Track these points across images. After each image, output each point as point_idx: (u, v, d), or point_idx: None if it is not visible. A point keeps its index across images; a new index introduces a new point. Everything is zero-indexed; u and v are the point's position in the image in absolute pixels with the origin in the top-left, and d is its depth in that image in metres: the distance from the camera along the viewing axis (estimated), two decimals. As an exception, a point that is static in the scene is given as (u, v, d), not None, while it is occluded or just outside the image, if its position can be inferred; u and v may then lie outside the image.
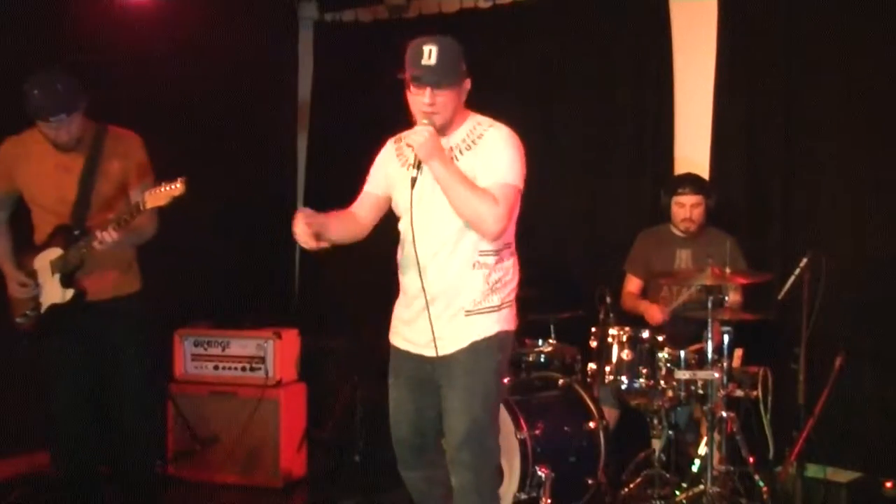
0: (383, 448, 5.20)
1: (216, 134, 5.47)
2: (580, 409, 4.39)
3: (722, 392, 4.02)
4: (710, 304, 4.04)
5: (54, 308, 3.70)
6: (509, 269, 3.12)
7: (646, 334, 4.24)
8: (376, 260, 5.90)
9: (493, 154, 2.99)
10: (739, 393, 4.11)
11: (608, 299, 4.36)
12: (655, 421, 4.30)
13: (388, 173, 3.21)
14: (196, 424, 4.90)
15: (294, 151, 6.49)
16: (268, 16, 6.05)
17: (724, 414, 4.03)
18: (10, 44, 4.38)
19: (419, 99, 2.96)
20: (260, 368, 4.96)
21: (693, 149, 5.20)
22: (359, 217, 3.30)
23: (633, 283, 4.82)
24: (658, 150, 5.26)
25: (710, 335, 4.04)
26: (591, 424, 4.36)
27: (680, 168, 5.16)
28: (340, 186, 6.08)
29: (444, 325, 3.05)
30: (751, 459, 4.13)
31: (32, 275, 3.74)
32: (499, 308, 3.08)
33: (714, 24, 5.11)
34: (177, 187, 3.39)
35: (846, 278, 4.51)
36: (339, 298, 6.08)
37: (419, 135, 2.92)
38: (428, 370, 3.12)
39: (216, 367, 5.04)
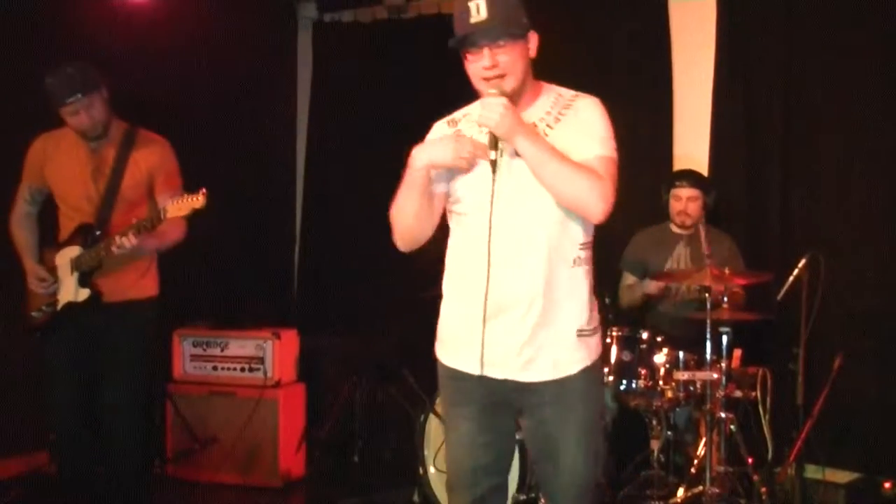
0: (382, 448, 5.25)
1: (215, 133, 5.47)
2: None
3: (721, 393, 4.01)
4: (708, 305, 4.04)
5: (70, 306, 3.72)
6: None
7: (644, 335, 4.23)
8: (374, 259, 5.95)
9: (588, 125, 2.52)
10: (738, 394, 4.11)
11: (606, 300, 4.35)
12: (654, 422, 4.30)
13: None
14: (195, 425, 4.91)
15: (293, 151, 6.50)
16: (267, 16, 6.06)
17: (723, 415, 4.02)
18: (10, 46, 4.39)
19: (477, 66, 2.47)
20: (259, 369, 4.96)
21: (692, 147, 5.20)
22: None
23: (629, 280, 4.80)
24: (657, 149, 5.26)
25: (708, 335, 4.03)
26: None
27: (679, 166, 5.15)
28: (340, 186, 6.19)
29: (542, 342, 2.51)
30: (749, 460, 4.12)
31: (52, 271, 3.76)
32: (595, 331, 2.63)
33: (713, 22, 5.11)
34: (198, 199, 3.44)
35: (846, 279, 4.52)
36: (337, 297, 6.09)
37: (492, 109, 2.41)
38: (510, 396, 2.57)
39: (215, 368, 5.04)
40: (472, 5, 2.43)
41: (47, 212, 3.88)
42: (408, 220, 2.62)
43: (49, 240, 3.84)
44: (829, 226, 4.77)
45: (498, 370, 2.53)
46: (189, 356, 5.08)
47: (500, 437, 2.63)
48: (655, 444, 4.25)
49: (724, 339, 4.03)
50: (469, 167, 2.50)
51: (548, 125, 2.53)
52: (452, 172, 2.57)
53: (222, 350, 5.04)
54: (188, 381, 5.05)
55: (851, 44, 4.71)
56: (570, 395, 2.55)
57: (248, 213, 5.73)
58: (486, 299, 2.49)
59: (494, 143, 2.44)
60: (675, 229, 4.71)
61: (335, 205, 6.19)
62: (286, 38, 6.43)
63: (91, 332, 3.72)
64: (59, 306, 3.74)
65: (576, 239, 2.54)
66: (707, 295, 4.03)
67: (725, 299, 4.10)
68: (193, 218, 3.57)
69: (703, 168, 5.06)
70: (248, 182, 5.74)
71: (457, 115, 2.68)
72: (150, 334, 3.90)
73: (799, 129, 4.89)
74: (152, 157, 3.76)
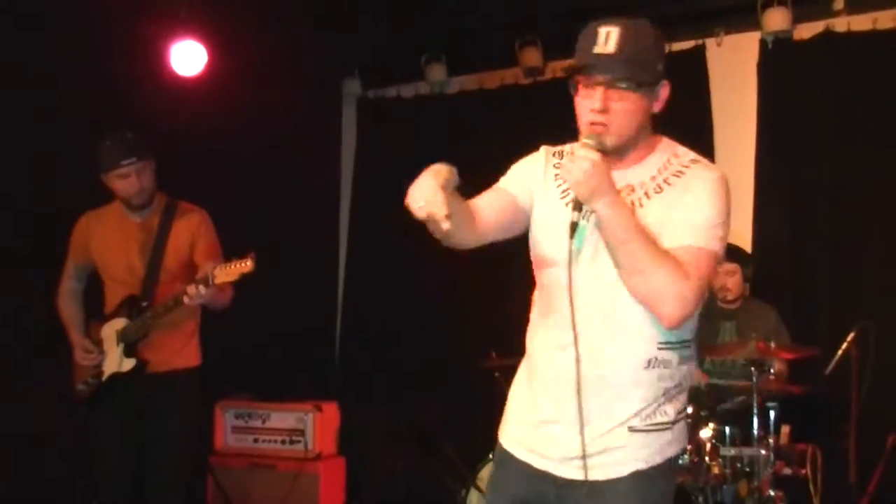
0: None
1: (260, 204, 5.57)
2: None
3: (769, 470, 3.92)
4: (754, 378, 3.97)
5: (114, 377, 3.75)
6: (688, 372, 2.21)
7: (689, 409, 4.16)
8: (416, 330, 5.96)
9: (694, 204, 2.10)
10: (787, 471, 4.01)
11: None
12: (701, 499, 4.19)
13: (536, 191, 2.25)
14: (235, 498, 4.88)
15: (336, 222, 6.58)
16: (312, 92, 6.19)
17: (772, 492, 3.92)
18: (68, 119, 4.53)
19: (586, 103, 2.09)
20: (300, 441, 4.95)
21: (734, 217, 5.15)
22: (480, 215, 2.20)
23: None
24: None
25: (755, 410, 3.96)
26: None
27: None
28: (381, 257, 6.23)
29: (594, 438, 2.13)
30: (801, 540, 4.01)
31: (98, 343, 3.81)
32: (673, 424, 2.17)
33: (754, 89, 5.15)
34: (247, 264, 3.45)
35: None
36: (379, 369, 6.08)
37: (577, 163, 2.00)
38: (549, 496, 2.19)
39: (256, 440, 5.04)
40: (602, 31, 2.05)
41: (93, 286, 3.94)
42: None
43: (94, 314, 3.90)
44: (878, 297, 4.69)
45: None
46: (231, 428, 5.08)
47: None
48: (703, 523, 4.14)
49: (772, 414, 3.95)
50: (428, 221, 2.01)
51: (646, 193, 2.13)
52: (541, 209, 2.22)
53: (263, 422, 5.04)
54: (229, 454, 5.05)
55: (895, 115, 4.70)
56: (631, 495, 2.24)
57: (291, 283, 5.77)
58: (578, 384, 2.12)
59: (578, 203, 2.04)
60: (720, 304, 4.67)
61: (377, 276, 6.23)
62: (331, 113, 6.57)
63: (136, 403, 3.74)
64: (104, 377, 3.77)
65: (657, 336, 2.11)
66: (753, 369, 3.96)
67: (772, 371, 4.04)
68: (236, 288, 3.61)
69: (746, 237, 5.03)
70: (291, 252, 5.80)
71: (567, 147, 2.26)
72: (194, 405, 3.91)
73: (844, 200, 4.86)
74: (192, 227, 3.82)
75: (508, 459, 2.26)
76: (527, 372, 2.30)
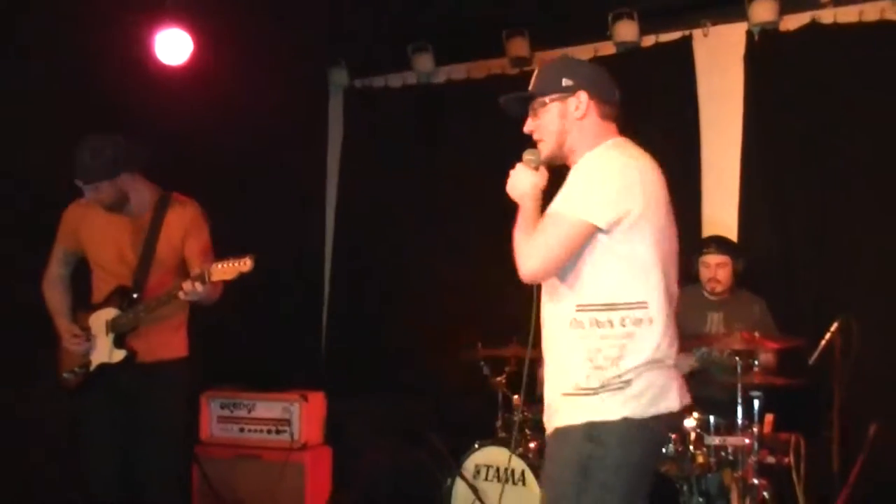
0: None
1: (245, 194, 5.55)
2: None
3: (753, 458, 3.94)
4: (739, 369, 3.99)
5: (103, 367, 3.74)
6: (625, 344, 2.45)
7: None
8: (402, 321, 5.96)
9: (569, 180, 2.55)
10: (771, 460, 4.03)
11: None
12: (685, 488, 4.22)
13: None
14: (221, 488, 4.87)
15: (323, 214, 6.57)
16: (299, 81, 6.17)
17: (756, 481, 3.94)
18: (51, 109, 4.50)
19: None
20: (286, 431, 4.94)
21: (721, 209, 5.20)
22: None
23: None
24: (685, 212, 5.24)
25: (739, 399, 3.98)
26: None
27: (707, 229, 5.14)
28: (368, 248, 6.22)
29: (548, 395, 2.60)
30: (784, 528, 4.04)
31: (85, 332, 3.79)
32: (594, 392, 2.45)
33: (741, 80, 5.16)
34: (245, 263, 3.45)
35: (879, 344, 4.44)
36: (365, 359, 6.08)
37: (513, 173, 2.62)
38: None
39: (242, 430, 5.03)
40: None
41: (78, 274, 3.93)
42: None
43: (80, 301, 3.88)
44: (862, 290, 4.72)
45: None
46: (216, 418, 5.07)
47: None
48: (687, 512, 4.17)
49: (756, 403, 3.97)
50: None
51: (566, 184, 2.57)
52: None
53: (249, 412, 5.03)
54: (215, 444, 5.04)
55: (881, 108, 4.72)
56: (548, 450, 2.61)
57: (277, 273, 5.75)
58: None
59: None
60: (707, 295, 4.68)
61: (364, 267, 6.22)
62: (318, 103, 6.54)
63: (124, 393, 3.73)
64: (92, 367, 3.76)
65: (573, 299, 2.49)
66: (738, 359, 3.98)
67: (756, 363, 4.06)
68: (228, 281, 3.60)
69: (732, 229, 5.05)
70: (277, 243, 5.78)
71: None
72: (182, 395, 3.91)
73: (829, 192, 4.88)
74: (185, 219, 3.81)
75: None
76: None
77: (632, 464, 2.47)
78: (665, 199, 2.61)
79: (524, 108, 2.66)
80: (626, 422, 2.43)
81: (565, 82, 2.59)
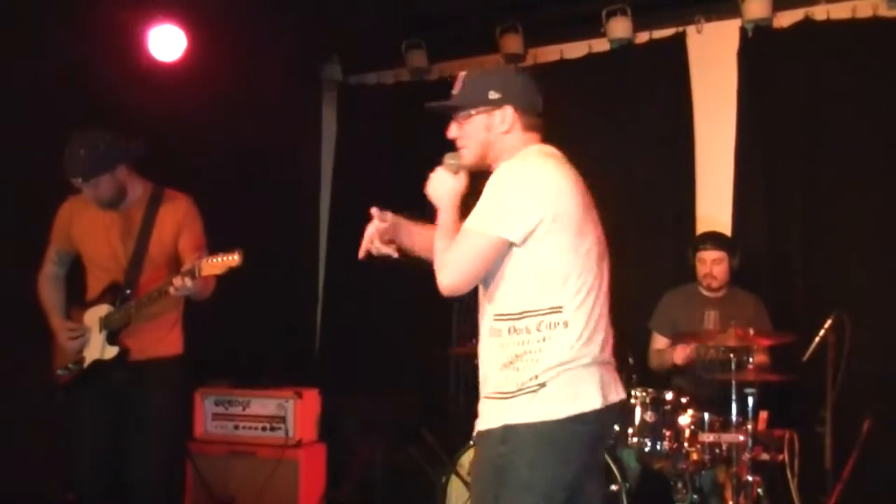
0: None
1: (238, 191, 5.53)
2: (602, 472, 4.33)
3: (747, 455, 3.96)
4: (733, 366, 4.00)
5: (96, 364, 3.73)
6: (541, 348, 2.47)
7: (669, 396, 4.19)
8: (396, 318, 5.95)
9: (484, 194, 2.54)
10: (765, 456, 4.04)
11: (631, 360, 4.32)
12: (679, 484, 4.23)
13: None
14: (214, 485, 4.87)
15: (316, 210, 6.56)
16: (293, 77, 6.15)
17: (750, 478, 3.96)
18: (42, 104, 4.48)
19: None
20: (280, 428, 4.94)
21: (714, 206, 5.21)
22: None
23: (660, 342, 4.77)
24: (680, 210, 5.27)
25: (733, 396, 3.99)
26: (614, 487, 4.29)
27: (701, 225, 5.15)
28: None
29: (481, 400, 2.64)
30: (778, 525, 4.05)
31: (80, 327, 3.78)
32: (511, 395, 2.48)
33: (734, 77, 5.17)
34: (234, 258, 3.45)
35: (873, 340, 4.46)
36: (359, 357, 6.07)
37: (432, 177, 2.66)
38: None
39: (236, 427, 5.02)
40: (456, 81, 2.67)
41: (74, 272, 3.92)
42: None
43: (75, 299, 3.87)
44: (854, 286, 4.73)
45: None
46: (211, 415, 5.06)
47: None
48: (681, 508, 4.18)
49: (750, 400, 3.98)
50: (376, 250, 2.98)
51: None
52: None
53: (244, 409, 5.02)
54: (209, 441, 5.03)
55: (873, 104, 4.73)
56: (474, 453, 2.65)
57: (271, 271, 5.74)
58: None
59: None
60: (703, 292, 4.69)
61: (357, 264, 6.20)
62: (311, 100, 6.52)
63: (117, 391, 3.73)
64: (86, 364, 3.75)
65: (492, 308, 2.55)
66: (732, 356, 3.99)
67: (751, 360, 4.06)
68: (218, 277, 3.60)
69: (727, 227, 5.06)
70: (271, 240, 5.77)
71: None
72: (176, 393, 3.90)
73: (822, 189, 4.89)
74: (178, 215, 3.80)
75: None
76: None
77: (549, 463, 2.46)
78: (585, 202, 2.56)
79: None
80: (542, 423, 2.44)
81: (492, 95, 2.60)
